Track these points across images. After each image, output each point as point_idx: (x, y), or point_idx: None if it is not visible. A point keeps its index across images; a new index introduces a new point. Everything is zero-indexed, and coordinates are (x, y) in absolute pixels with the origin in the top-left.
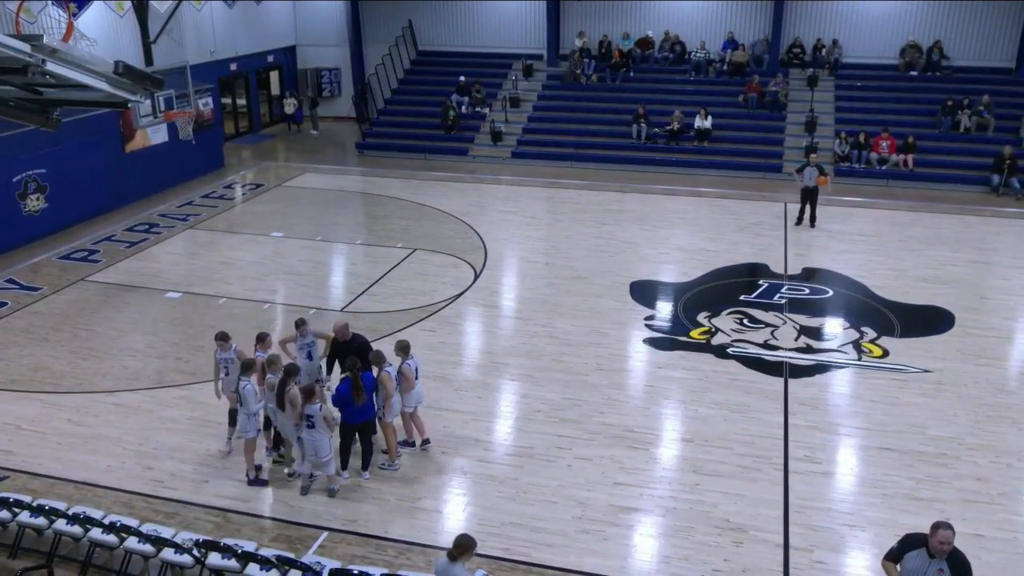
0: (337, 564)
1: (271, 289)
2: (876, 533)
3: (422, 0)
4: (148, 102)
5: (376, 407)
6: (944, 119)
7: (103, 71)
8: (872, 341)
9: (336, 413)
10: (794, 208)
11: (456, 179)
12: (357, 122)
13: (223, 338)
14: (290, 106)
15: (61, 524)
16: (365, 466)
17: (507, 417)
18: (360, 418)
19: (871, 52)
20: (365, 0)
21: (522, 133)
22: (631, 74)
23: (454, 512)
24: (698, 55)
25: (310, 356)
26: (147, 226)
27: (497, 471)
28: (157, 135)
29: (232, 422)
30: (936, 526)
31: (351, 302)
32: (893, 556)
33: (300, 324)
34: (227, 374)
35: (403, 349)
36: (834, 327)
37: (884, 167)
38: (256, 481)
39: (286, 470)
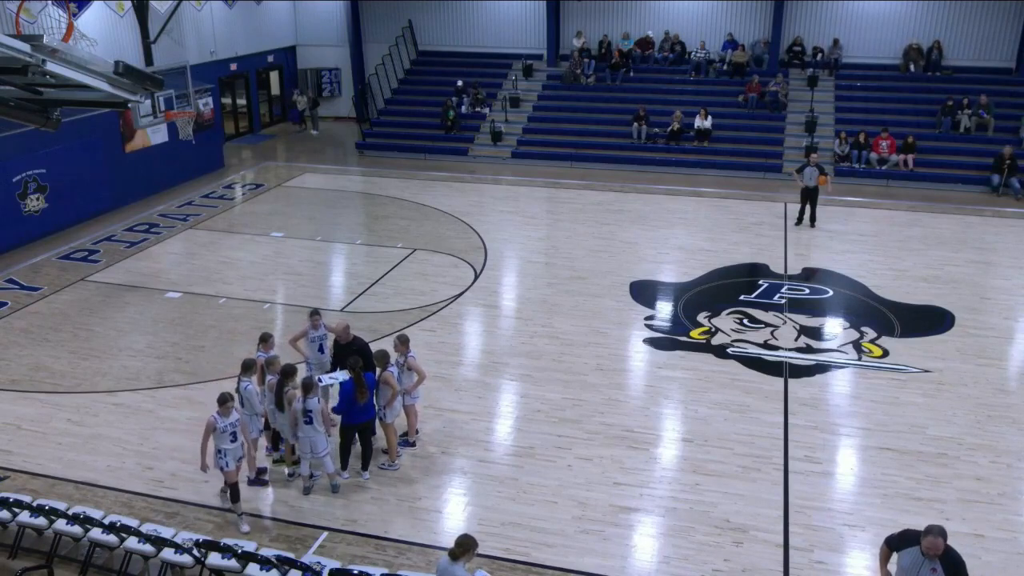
0: (337, 564)
1: (271, 289)
2: (876, 533)
3: (422, 0)
4: (148, 102)
5: (377, 408)
6: (944, 119)
7: (103, 71)
8: (872, 341)
9: (336, 418)
10: (794, 208)
11: (456, 179)
12: (357, 122)
13: (228, 399)
14: (301, 103)
15: (61, 524)
16: (365, 466)
17: (507, 417)
18: (361, 418)
19: (871, 52)
20: (365, 0)
21: (522, 133)
22: (631, 74)
23: (454, 512)
24: (698, 55)
25: (322, 349)
26: (147, 226)
27: (497, 471)
28: (157, 135)
29: (236, 497)
30: (927, 532)
31: (351, 302)
32: (893, 544)
33: (314, 314)
34: (233, 440)
35: (403, 343)
36: (834, 327)
37: (884, 167)
38: (256, 481)
39: (286, 470)
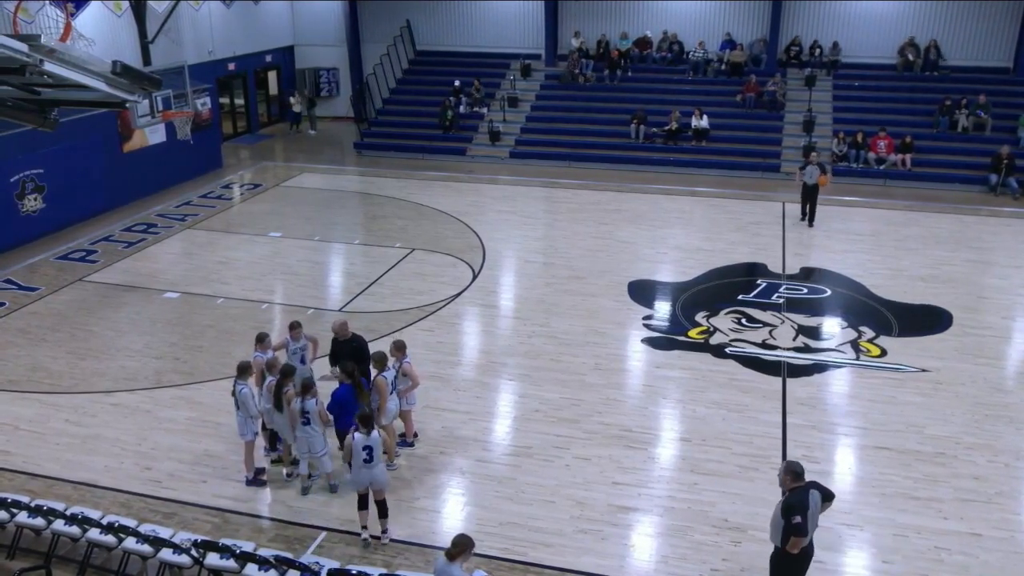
0: (336, 564)
1: (269, 289)
2: (874, 532)
3: (420, 0)
4: (146, 102)
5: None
6: (942, 119)
7: (101, 71)
8: (870, 340)
9: (329, 416)
10: (791, 208)
11: (454, 179)
12: (355, 122)
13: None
14: (296, 104)
15: (59, 524)
16: None
17: (505, 417)
18: (353, 422)
19: (869, 52)
20: (363, 0)
21: (520, 133)
22: (629, 74)
23: (452, 512)
24: (696, 55)
25: (303, 360)
26: (145, 226)
27: (495, 471)
28: (155, 135)
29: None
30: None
31: (349, 302)
32: None
33: (294, 327)
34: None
35: (399, 348)
36: (832, 326)
37: (882, 167)
38: (254, 481)
39: (284, 471)
